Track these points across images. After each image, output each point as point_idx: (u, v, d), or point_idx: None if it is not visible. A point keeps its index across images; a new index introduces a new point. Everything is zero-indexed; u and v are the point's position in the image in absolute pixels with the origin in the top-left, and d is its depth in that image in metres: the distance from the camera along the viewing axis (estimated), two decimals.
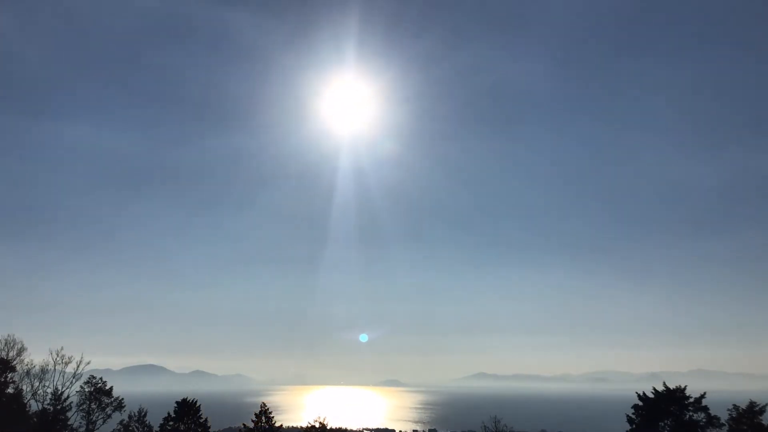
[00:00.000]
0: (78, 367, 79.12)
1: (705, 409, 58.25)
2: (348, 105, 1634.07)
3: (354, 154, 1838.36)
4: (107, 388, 79.88)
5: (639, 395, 61.65)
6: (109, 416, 78.77)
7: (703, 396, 58.87)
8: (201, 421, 70.30)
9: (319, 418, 70.13)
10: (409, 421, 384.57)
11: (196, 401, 71.57)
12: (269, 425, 68.96)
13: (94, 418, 78.13)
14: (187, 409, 70.05)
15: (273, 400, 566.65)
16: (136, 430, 74.10)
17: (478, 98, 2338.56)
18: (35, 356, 79.43)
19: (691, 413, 58.56)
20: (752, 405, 59.61)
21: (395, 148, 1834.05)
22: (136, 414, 75.07)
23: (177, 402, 70.92)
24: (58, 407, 77.09)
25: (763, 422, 58.57)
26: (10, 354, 77.09)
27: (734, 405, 60.78)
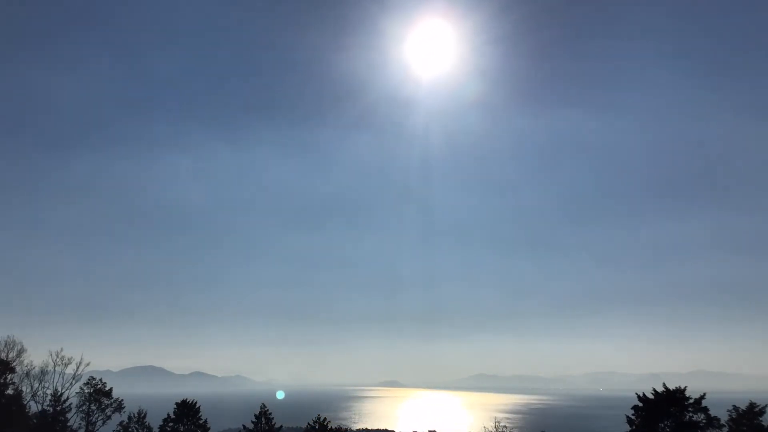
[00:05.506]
0: (77, 368, 79.26)
1: (705, 409, 58.26)
2: (433, 48, 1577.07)
3: (437, 98, 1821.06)
4: (107, 389, 79.88)
5: (639, 396, 61.68)
6: (109, 417, 78.78)
7: (702, 397, 58.86)
8: (200, 422, 70.48)
9: (319, 418, 70.17)
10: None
11: (196, 402, 71.75)
12: (269, 426, 69.06)
13: (93, 420, 78.16)
14: (186, 410, 70.28)
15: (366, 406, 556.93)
16: (135, 431, 74.13)
17: (572, 36, 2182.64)
18: (35, 357, 79.42)
19: (690, 414, 58.57)
20: (752, 405, 59.65)
21: (482, 90, 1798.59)
22: (136, 415, 75.14)
23: (176, 403, 71.14)
24: (58, 408, 77.10)
25: (763, 423, 58.60)
26: (10, 355, 77.05)
27: (734, 406, 60.90)
